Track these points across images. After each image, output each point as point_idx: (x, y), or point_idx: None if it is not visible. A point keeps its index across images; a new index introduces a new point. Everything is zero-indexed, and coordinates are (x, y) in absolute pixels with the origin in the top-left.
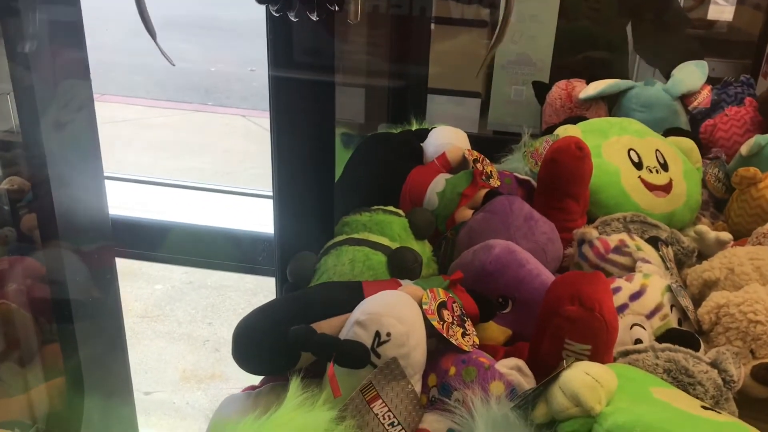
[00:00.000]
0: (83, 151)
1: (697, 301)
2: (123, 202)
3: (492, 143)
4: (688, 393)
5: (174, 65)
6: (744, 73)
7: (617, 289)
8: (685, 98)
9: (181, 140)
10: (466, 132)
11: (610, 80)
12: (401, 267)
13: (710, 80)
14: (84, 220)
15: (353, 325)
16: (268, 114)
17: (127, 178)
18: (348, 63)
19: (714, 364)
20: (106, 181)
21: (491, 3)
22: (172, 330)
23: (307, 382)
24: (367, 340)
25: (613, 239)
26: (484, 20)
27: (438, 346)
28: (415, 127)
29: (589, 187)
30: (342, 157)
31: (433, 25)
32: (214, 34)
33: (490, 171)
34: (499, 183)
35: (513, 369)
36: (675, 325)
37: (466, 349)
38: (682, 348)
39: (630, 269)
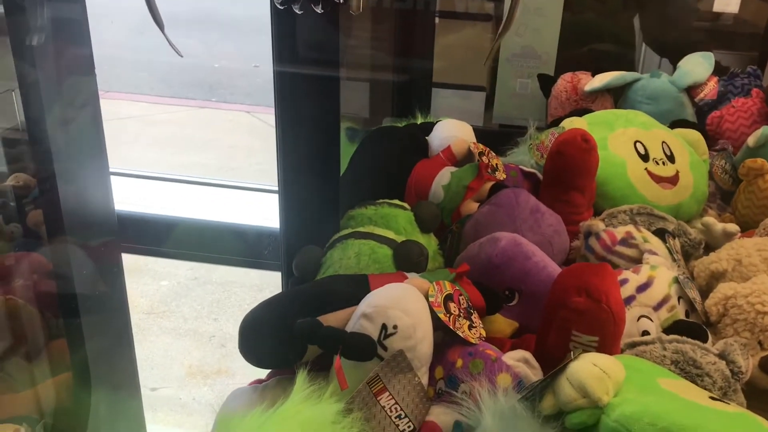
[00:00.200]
0: (88, 146)
1: (705, 292)
2: (129, 197)
3: (497, 136)
4: (696, 384)
5: (182, 56)
6: (751, 64)
7: (624, 281)
8: (691, 90)
9: (186, 136)
10: (471, 125)
11: (616, 72)
12: (407, 260)
13: (717, 71)
14: (90, 215)
15: (360, 317)
16: (272, 110)
17: (133, 174)
18: (353, 57)
19: (722, 356)
20: (112, 177)
21: None
22: (178, 326)
23: (313, 375)
24: (374, 332)
25: (620, 231)
26: (489, 14)
27: (445, 338)
28: (420, 121)
29: (595, 179)
30: (347, 151)
31: (437, 19)
32: (217, 30)
33: (496, 164)
34: (504, 176)
35: (520, 361)
36: (682, 316)
37: (472, 341)
38: (689, 339)
39: (637, 261)
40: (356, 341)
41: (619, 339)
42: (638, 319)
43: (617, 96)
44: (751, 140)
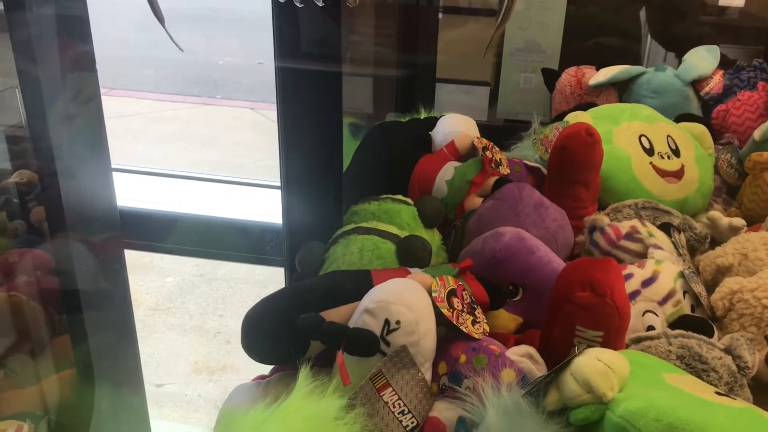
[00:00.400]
0: (90, 143)
1: (710, 287)
2: (134, 194)
3: (502, 131)
4: (702, 379)
5: (183, 51)
6: (757, 57)
7: (629, 276)
8: (696, 83)
9: (191, 133)
10: (475, 121)
11: (621, 66)
12: (410, 255)
13: (722, 65)
14: (92, 211)
15: (362, 313)
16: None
17: (139, 171)
18: (356, 53)
19: (728, 351)
20: (118, 174)
21: None
22: (183, 322)
23: (316, 371)
24: (377, 328)
25: (625, 226)
26: (492, 9)
27: (448, 334)
28: (423, 116)
29: (599, 173)
30: (350, 146)
31: (440, 14)
32: (221, 27)
33: (500, 158)
34: (508, 170)
35: (524, 356)
36: (688, 311)
37: (476, 336)
38: (695, 334)
39: (642, 256)
40: (359, 337)
41: (624, 334)
42: (643, 314)
43: (622, 90)
44: (757, 134)
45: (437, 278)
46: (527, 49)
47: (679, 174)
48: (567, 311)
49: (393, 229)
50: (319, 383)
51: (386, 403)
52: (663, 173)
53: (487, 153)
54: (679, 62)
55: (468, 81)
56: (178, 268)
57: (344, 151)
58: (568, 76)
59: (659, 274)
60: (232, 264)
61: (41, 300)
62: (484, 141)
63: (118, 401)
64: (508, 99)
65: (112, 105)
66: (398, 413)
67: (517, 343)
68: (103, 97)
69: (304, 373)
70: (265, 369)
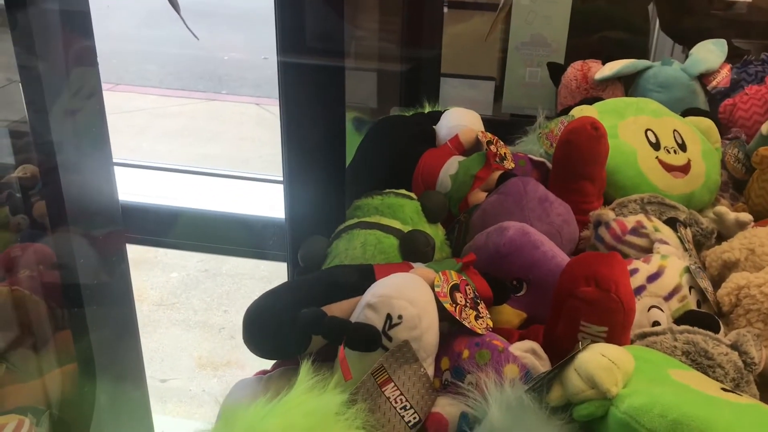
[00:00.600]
0: (92, 137)
1: (717, 282)
2: (139, 189)
3: (507, 126)
4: (708, 375)
5: (198, 39)
6: (765, 51)
7: (634, 271)
8: (703, 77)
9: (195, 128)
10: (480, 115)
11: (627, 60)
12: (413, 250)
13: (730, 59)
14: (93, 206)
15: (364, 307)
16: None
17: (143, 165)
18: (360, 47)
19: (734, 347)
20: (123, 169)
21: None
22: (187, 318)
23: (318, 366)
24: (378, 322)
25: (630, 221)
26: (497, 4)
27: (451, 329)
28: (427, 110)
29: (605, 168)
30: (354, 141)
31: (445, 9)
32: (225, 22)
33: (504, 153)
34: (513, 165)
35: (527, 352)
36: (694, 306)
37: (479, 332)
38: (701, 330)
39: (647, 251)
40: (360, 331)
41: (629, 329)
42: (648, 310)
43: (628, 84)
44: (764, 128)
45: (440, 273)
46: (533, 43)
47: (685, 169)
48: (571, 306)
49: (396, 224)
50: (320, 378)
51: (388, 398)
52: (669, 168)
53: (492, 147)
54: (687, 56)
55: (473, 75)
56: (183, 263)
57: (348, 146)
58: (574, 70)
59: (665, 269)
60: (237, 259)
61: (43, 294)
62: (489, 135)
63: (120, 396)
64: (514, 93)
65: (117, 101)
66: (400, 408)
67: (521, 338)
68: (108, 93)
69: (305, 368)
70: (268, 364)
